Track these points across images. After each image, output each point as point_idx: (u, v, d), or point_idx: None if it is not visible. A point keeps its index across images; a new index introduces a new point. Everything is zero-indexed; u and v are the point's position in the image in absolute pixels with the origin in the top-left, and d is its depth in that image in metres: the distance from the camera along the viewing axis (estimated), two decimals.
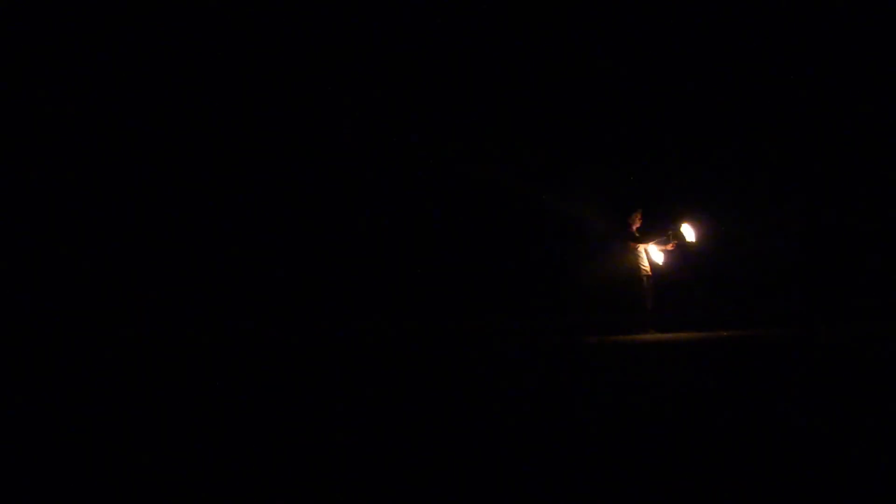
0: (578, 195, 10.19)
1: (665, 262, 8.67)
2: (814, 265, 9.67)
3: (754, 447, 3.42)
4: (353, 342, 8.09)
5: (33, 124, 9.45)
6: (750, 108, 10.02)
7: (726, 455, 3.32)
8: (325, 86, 10.09)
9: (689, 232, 8.54)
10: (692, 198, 9.84)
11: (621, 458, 3.33)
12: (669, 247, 8.67)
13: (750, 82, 9.91)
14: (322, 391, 5.33)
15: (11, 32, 9.25)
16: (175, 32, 9.65)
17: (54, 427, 4.31)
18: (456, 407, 4.58)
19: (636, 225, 8.74)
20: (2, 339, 8.26)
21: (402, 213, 10.31)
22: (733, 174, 10.03)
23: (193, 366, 6.87)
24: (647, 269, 8.65)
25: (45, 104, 9.42)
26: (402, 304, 9.83)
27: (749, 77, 9.91)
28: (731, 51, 9.85)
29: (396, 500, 2.94)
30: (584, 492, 2.94)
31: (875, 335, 7.35)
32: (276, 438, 3.89)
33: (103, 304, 9.21)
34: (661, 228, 8.69)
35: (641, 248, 8.68)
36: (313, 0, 9.85)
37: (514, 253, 10.50)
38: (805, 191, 9.96)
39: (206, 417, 4.51)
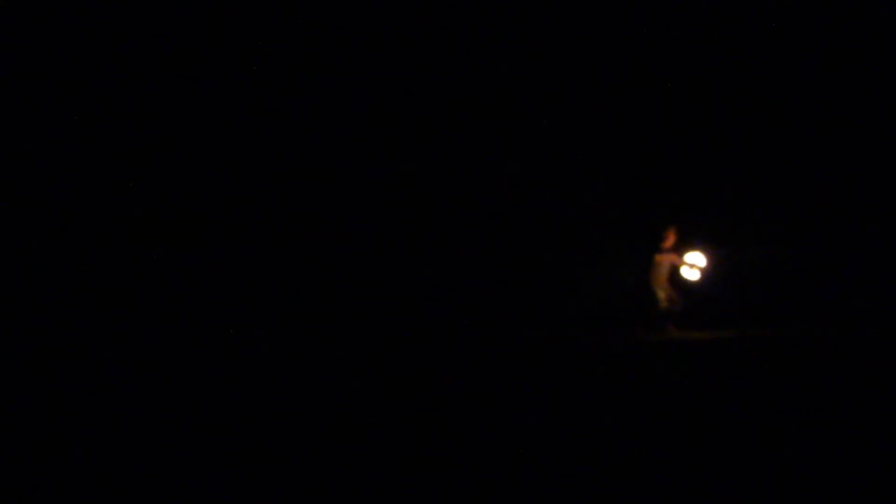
0: (598, 200, 10.15)
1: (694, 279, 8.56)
2: (816, 264, 9.68)
3: (755, 447, 3.41)
4: (354, 346, 8.05)
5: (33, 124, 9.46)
6: (752, 105, 10.01)
7: (728, 455, 3.32)
8: (325, 85, 10.05)
9: (695, 264, 8.48)
10: (703, 204, 9.85)
11: (626, 458, 3.32)
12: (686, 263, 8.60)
13: (760, 85, 9.91)
14: (320, 393, 5.32)
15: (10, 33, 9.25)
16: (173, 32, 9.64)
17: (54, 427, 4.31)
18: (453, 409, 4.57)
19: (669, 241, 8.57)
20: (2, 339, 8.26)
21: (407, 214, 10.24)
22: (738, 173, 10.01)
23: (192, 367, 6.87)
24: (664, 284, 8.55)
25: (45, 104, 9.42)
26: (402, 308, 9.80)
27: (759, 80, 9.90)
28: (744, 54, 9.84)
29: (397, 500, 2.93)
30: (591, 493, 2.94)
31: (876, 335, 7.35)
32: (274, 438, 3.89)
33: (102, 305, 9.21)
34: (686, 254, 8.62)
35: (664, 261, 8.56)
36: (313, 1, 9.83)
37: (527, 257, 10.46)
38: (808, 190, 9.96)
39: (204, 418, 4.51)
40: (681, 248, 8.63)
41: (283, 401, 5.03)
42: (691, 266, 8.54)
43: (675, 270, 8.63)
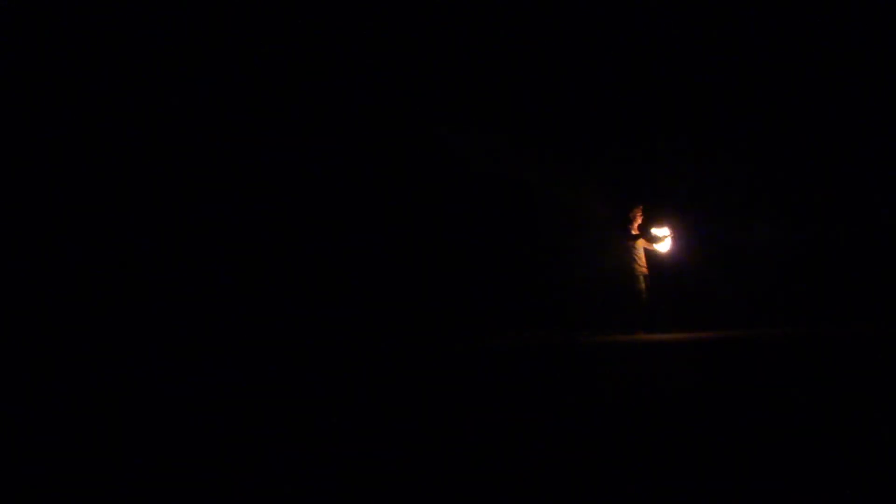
0: (574, 187, 10.12)
1: (668, 258, 8.63)
2: (815, 264, 9.68)
3: (752, 447, 3.42)
4: (340, 350, 7.99)
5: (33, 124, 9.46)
6: (754, 103, 10.00)
7: (725, 455, 3.32)
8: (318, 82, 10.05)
9: (664, 238, 8.55)
10: (692, 194, 9.84)
11: (620, 459, 3.33)
12: (652, 246, 8.66)
13: (759, 78, 9.89)
14: (316, 398, 5.32)
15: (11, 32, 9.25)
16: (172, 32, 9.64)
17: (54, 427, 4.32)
18: (450, 409, 4.58)
19: (637, 222, 8.66)
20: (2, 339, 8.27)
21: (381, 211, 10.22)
22: (735, 170, 10.00)
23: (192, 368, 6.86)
24: (644, 268, 8.61)
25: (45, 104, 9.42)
26: (385, 307, 9.79)
27: (758, 73, 9.88)
28: (737, 46, 9.82)
29: (398, 500, 2.94)
30: (584, 492, 2.94)
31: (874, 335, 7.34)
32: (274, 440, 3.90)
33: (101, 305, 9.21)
34: (652, 227, 8.69)
35: (639, 245, 8.64)
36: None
37: (502, 248, 10.44)
38: (807, 188, 9.95)
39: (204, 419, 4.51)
40: (648, 226, 8.70)
41: (273, 403, 5.04)
42: (660, 240, 8.62)
43: (647, 252, 8.71)
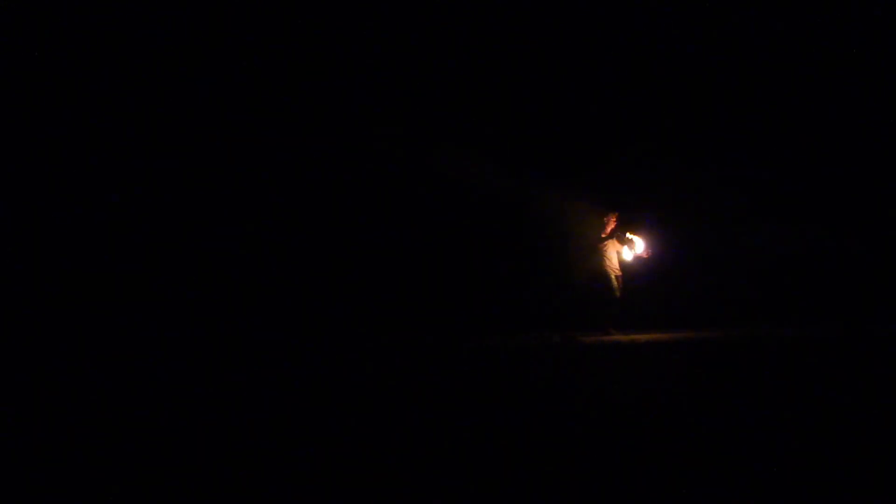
0: (553, 193, 10.18)
1: (636, 262, 8.80)
2: (796, 265, 9.77)
3: (748, 448, 3.43)
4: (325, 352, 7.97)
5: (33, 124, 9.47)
6: (740, 107, 10.07)
7: (722, 455, 3.34)
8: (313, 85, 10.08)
9: (637, 243, 8.70)
10: (670, 200, 9.96)
11: (618, 459, 3.34)
12: (634, 249, 8.78)
13: (742, 83, 9.96)
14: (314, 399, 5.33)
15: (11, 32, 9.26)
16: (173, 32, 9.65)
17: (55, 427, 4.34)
18: (446, 409, 4.60)
19: (611, 227, 8.85)
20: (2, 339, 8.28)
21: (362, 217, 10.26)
22: (712, 176, 10.07)
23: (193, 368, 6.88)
24: (617, 269, 8.79)
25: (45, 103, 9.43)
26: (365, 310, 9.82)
27: (741, 77, 9.95)
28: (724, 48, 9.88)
29: (396, 500, 2.96)
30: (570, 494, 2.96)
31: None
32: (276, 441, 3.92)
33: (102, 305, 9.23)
34: (623, 231, 8.83)
35: (610, 248, 8.82)
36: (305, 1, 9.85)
37: (476, 253, 10.51)
38: (785, 192, 10.03)
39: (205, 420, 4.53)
40: (619, 231, 8.83)
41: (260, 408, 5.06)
42: (631, 244, 8.77)
43: (618, 254, 8.87)
